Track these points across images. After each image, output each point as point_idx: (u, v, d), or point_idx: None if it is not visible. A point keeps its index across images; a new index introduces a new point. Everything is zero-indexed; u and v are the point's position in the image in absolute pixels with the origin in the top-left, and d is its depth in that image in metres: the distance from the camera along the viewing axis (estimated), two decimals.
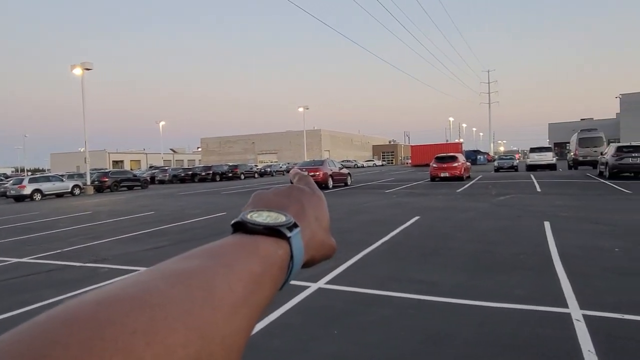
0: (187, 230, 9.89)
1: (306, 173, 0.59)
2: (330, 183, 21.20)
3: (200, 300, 0.28)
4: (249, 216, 0.40)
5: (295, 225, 0.40)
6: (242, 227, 0.39)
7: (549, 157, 29.70)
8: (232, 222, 0.40)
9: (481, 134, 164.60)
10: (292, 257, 0.38)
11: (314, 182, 0.55)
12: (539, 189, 16.33)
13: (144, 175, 38.68)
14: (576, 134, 30.87)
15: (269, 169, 50.12)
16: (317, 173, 20.61)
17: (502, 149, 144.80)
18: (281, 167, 55.03)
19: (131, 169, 55.80)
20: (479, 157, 58.58)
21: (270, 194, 0.48)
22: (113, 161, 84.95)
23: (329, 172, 21.23)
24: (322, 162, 21.98)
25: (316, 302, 4.51)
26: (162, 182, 41.22)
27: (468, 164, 26.14)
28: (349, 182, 23.23)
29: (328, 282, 5.13)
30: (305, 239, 0.42)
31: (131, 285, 0.27)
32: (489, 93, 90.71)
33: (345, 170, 23.39)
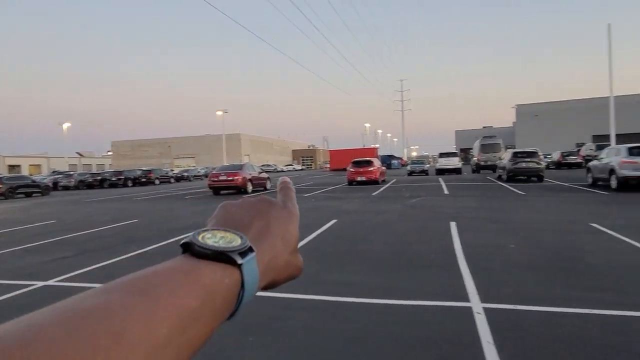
0: (94, 239, 9.21)
1: (291, 184, 0.53)
2: (250, 187, 21.01)
3: (105, 347, 0.24)
4: (200, 237, 0.37)
5: (250, 250, 0.37)
6: (191, 249, 0.36)
7: (455, 162, 31.94)
8: (182, 241, 0.37)
9: (395, 139, 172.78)
10: (243, 284, 0.35)
11: (294, 196, 0.51)
12: (446, 192, 17.46)
13: (45, 180, 35.42)
14: (478, 140, 33.54)
15: (186, 174, 48.36)
16: (236, 177, 20.36)
17: (414, 154, 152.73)
18: (199, 172, 53.38)
19: (30, 174, 50.87)
20: (393, 161, 61.31)
21: (236, 206, 0.45)
22: (8, 165, 76.75)
23: (248, 177, 21.04)
24: (241, 167, 21.69)
25: None
26: (66, 188, 38.02)
27: (383, 168, 27.28)
28: (268, 186, 23.15)
29: None
30: (264, 261, 0.39)
31: (17, 330, 0.23)
32: (402, 101, 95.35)
33: (264, 175, 23.29)
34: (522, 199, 13.88)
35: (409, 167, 35.31)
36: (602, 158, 16.42)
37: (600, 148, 28.68)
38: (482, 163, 31.56)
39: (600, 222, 8.55)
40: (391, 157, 64.90)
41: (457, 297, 4.52)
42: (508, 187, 18.47)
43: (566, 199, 13.27)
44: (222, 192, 21.55)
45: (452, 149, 73.07)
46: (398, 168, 58.14)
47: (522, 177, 21.42)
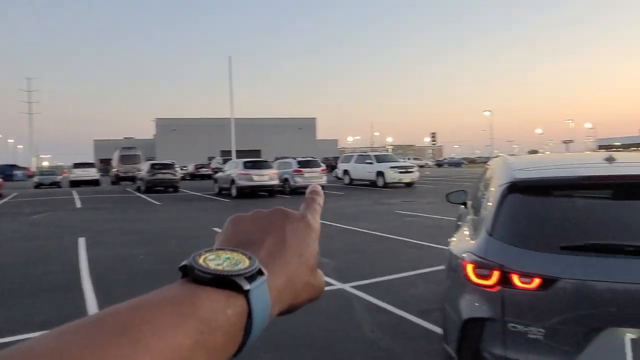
0: None
1: (320, 194, 0.46)
2: None
3: None
4: (201, 259, 0.31)
5: (259, 273, 0.31)
6: (189, 273, 0.30)
7: (92, 173, 30.18)
8: (181, 264, 0.31)
9: (20, 146, 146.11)
10: (250, 315, 0.30)
11: (319, 209, 0.43)
12: (79, 205, 16.22)
13: None
14: (118, 151, 32.72)
15: None
16: None
17: (46, 164, 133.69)
18: None
19: None
20: (16, 172, 52.23)
21: (246, 220, 0.39)
22: None
23: None
24: None
25: None
26: None
27: (0, 180, 22.80)
28: None
29: None
30: (277, 285, 0.33)
31: None
32: (29, 102, 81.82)
33: None
34: (157, 209, 14.43)
35: (36, 179, 30.78)
36: (225, 170, 19.05)
37: (225, 162, 33.14)
38: (122, 174, 30.91)
39: (220, 227, 9.90)
40: (14, 166, 54.94)
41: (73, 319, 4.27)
42: (145, 198, 18.77)
43: (196, 207, 14.67)
44: None
45: (91, 159, 68.41)
46: (23, 180, 49.54)
47: (160, 188, 22.23)
